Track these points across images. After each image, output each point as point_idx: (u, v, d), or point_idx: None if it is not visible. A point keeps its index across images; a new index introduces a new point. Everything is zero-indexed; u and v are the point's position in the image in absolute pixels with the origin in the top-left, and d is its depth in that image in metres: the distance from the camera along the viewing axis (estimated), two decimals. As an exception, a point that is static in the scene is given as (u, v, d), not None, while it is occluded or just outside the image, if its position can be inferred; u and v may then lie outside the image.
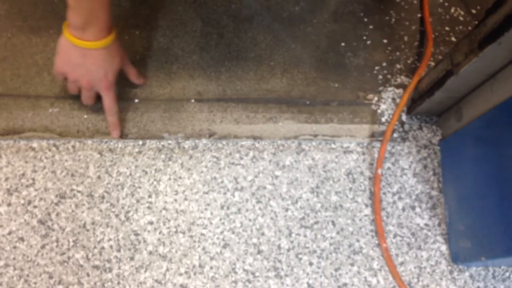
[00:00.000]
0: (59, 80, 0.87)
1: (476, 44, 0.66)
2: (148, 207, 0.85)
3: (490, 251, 0.70)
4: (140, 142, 0.90)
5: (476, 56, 0.66)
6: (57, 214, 0.85)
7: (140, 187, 0.87)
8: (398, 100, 0.92)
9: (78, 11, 0.70)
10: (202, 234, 0.84)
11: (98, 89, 0.81)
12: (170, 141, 0.90)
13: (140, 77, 0.92)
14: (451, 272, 0.82)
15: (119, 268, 0.82)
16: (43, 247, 0.83)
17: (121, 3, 1.02)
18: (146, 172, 0.88)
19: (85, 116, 0.91)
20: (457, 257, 0.80)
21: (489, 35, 0.64)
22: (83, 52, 0.74)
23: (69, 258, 0.82)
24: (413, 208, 0.86)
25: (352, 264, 0.82)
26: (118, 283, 0.81)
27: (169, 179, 0.88)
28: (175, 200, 0.86)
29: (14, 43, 0.98)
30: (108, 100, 0.83)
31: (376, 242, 0.83)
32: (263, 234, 0.84)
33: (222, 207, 0.86)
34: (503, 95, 0.68)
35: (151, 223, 0.84)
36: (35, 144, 0.90)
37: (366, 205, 0.85)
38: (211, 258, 0.82)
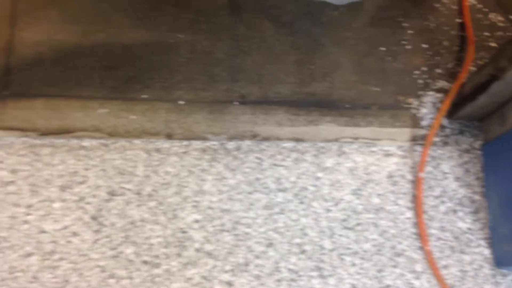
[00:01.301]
0: None
1: (523, 48, 0.65)
2: (194, 206, 0.86)
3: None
4: (186, 143, 0.91)
5: (522, 61, 0.65)
6: (108, 211, 0.85)
7: (186, 186, 0.87)
8: (438, 104, 0.91)
9: None
10: (246, 233, 0.84)
11: None
12: (214, 142, 0.90)
13: None
14: (494, 276, 0.80)
15: (167, 264, 0.82)
16: (95, 242, 0.84)
17: (166, 8, 1.02)
18: (192, 172, 0.88)
19: (135, 117, 0.92)
20: (500, 261, 0.79)
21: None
22: None
23: (120, 253, 0.83)
24: (455, 212, 0.84)
25: (395, 266, 0.81)
26: (167, 278, 0.81)
27: (214, 179, 0.87)
28: (220, 199, 0.86)
29: (66, 47, 0.99)
30: None
31: (419, 244, 0.82)
32: (306, 234, 0.83)
33: (265, 207, 0.85)
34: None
35: (197, 221, 0.85)
36: (86, 143, 0.90)
37: (408, 208, 0.84)
38: (256, 257, 0.82)
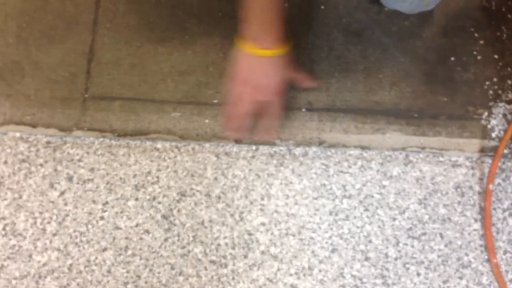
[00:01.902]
0: (234, 95, 0.85)
1: None
2: (261, 209, 0.87)
3: None
4: (254, 147, 0.92)
5: None
6: (179, 211, 0.89)
7: (253, 190, 0.89)
8: (509, 116, 0.89)
9: (255, 22, 0.72)
10: (311, 238, 0.85)
11: (268, 95, 0.80)
12: (281, 148, 0.92)
13: (310, 79, 0.90)
14: None
15: (234, 264, 0.84)
16: (166, 240, 0.87)
17: (238, 16, 1.04)
18: (259, 176, 0.90)
19: (206, 121, 0.94)
20: None
21: None
22: (258, 60, 0.75)
23: (189, 252, 0.86)
24: (524, 225, 0.82)
25: (460, 278, 0.80)
26: (233, 278, 0.83)
27: (281, 183, 0.89)
28: (286, 203, 0.87)
29: (142, 52, 1.03)
30: (274, 106, 0.82)
31: (486, 257, 0.81)
32: (370, 241, 0.83)
33: (330, 213, 0.86)
34: None
35: (263, 224, 0.86)
36: (159, 145, 0.94)
37: (475, 220, 0.83)
38: (320, 262, 0.83)
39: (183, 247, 0.86)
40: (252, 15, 0.73)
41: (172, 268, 0.84)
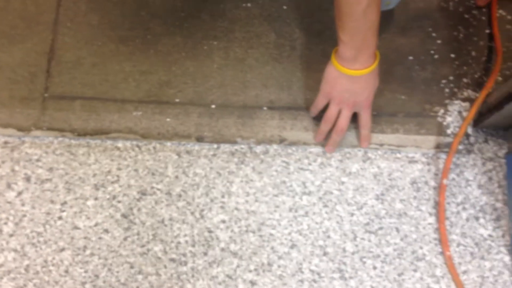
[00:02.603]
0: (320, 105, 0.86)
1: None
2: (221, 207, 0.88)
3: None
4: (215, 146, 0.93)
5: (547, 72, 0.65)
6: (139, 209, 0.89)
7: (214, 188, 0.90)
8: (464, 113, 0.91)
9: (351, 45, 0.71)
10: (271, 234, 0.85)
11: (359, 109, 0.82)
12: (242, 146, 0.93)
13: None
14: (514, 283, 0.80)
15: (194, 262, 0.84)
16: (125, 239, 0.87)
17: (201, 16, 1.06)
18: (220, 174, 0.91)
19: (168, 120, 0.95)
20: (521, 269, 0.78)
21: None
22: (351, 79, 0.76)
23: (148, 250, 0.86)
24: (477, 218, 0.84)
25: (415, 270, 0.81)
26: (193, 276, 0.83)
27: (241, 181, 0.90)
28: (246, 201, 0.88)
29: (104, 51, 1.03)
30: (366, 117, 0.83)
31: (440, 250, 0.83)
32: (329, 237, 0.85)
33: (290, 210, 0.87)
34: None
35: (223, 221, 0.87)
36: (120, 144, 0.94)
37: (430, 214, 0.85)
38: (279, 257, 0.84)
39: (143, 246, 0.86)
40: (348, 38, 0.71)
41: (131, 267, 0.84)
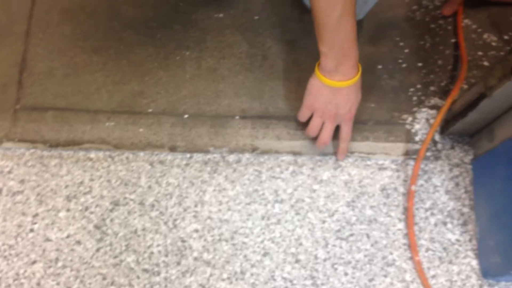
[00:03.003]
0: (303, 119, 0.87)
1: (509, 69, 0.67)
2: (194, 216, 0.88)
3: (520, 267, 0.70)
4: (188, 155, 0.93)
5: (508, 80, 0.67)
6: (111, 220, 0.88)
7: (187, 197, 0.90)
8: (431, 121, 0.93)
9: (331, 56, 0.72)
10: (243, 243, 0.86)
11: (340, 121, 0.83)
12: (215, 155, 0.93)
13: None
14: (481, 286, 0.82)
15: (167, 272, 0.84)
16: (98, 250, 0.86)
17: (173, 26, 1.06)
18: (193, 183, 0.91)
19: (141, 130, 0.95)
20: (487, 272, 0.80)
21: (522, 61, 0.65)
22: (334, 91, 0.76)
23: (121, 261, 0.85)
24: (445, 223, 0.86)
25: (385, 276, 0.83)
26: (166, 286, 0.83)
27: (214, 190, 0.90)
28: (219, 210, 0.88)
29: (76, 62, 1.03)
30: (347, 130, 0.84)
31: (409, 255, 0.84)
32: (301, 244, 0.85)
33: (262, 218, 0.88)
34: (534, 118, 0.68)
35: (196, 231, 0.87)
36: (92, 155, 0.94)
37: (400, 220, 0.86)
38: (252, 265, 0.84)
39: (116, 257, 0.85)
40: (327, 49, 0.72)
41: (104, 278, 0.84)
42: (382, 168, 0.91)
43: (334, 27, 0.71)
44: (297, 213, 0.88)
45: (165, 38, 1.06)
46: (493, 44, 1.03)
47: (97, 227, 0.88)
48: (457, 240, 0.85)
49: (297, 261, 0.84)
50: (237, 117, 0.97)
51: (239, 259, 0.85)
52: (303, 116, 0.89)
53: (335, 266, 0.84)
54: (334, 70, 0.72)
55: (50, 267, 0.85)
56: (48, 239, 0.87)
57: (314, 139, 0.91)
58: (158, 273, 0.84)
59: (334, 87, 0.74)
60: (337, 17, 0.69)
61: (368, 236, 0.86)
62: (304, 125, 0.91)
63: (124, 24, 1.07)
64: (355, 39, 0.71)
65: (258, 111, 0.98)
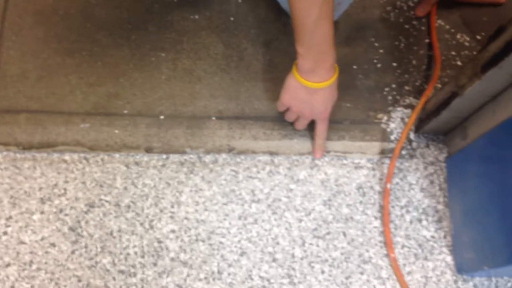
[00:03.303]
0: (281, 110, 0.89)
1: (479, 68, 0.68)
2: (171, 217, 0.88)
3: (492, 261, 0.71)
4: (164, 156, 0.93)
5: (479, 79, 0.68)
6: (87, 222, 0.88)
7: (163, 198, 0.89)
8: (406, 120, 0.94)
9: (308, 58, 0.72)
10: (220, 243, 0.86)
11: (316, 118, 0.84)
12: (192, 156, 0.93)
13: None
14: (455, 282, 0.83)
15: (143, 273, 0.84)
16: (73, 252, 0.85)
17: (148, 27, 1.06)
18: (169, 184, 0.91)
19: (116, 131, 0.94)
20: (461, 268, 0.81)
21: (491, 60, 0.66)
22: (310, 91, 0.77)
23: (96, 263, 0.85)
24: (420, 221, 0.87)
25: (362, 273, 0.83)
26: (142, 287, 0.83)
27: (191, 190, 0.90)
28: (196, 210, 0.88)
29: (50, 64, 1.02)
30: (323, 127, 0.85)
31: (385, 252, 0.85)
32: (278, 243, 0.86)
33: (239, 218, 0.88)
34: (504, 115, 0.69)
35: (173, 231, 0.87)
36: (67, 157, 0.93)
37: (376, 218, 0.87)
38: (229, 265, 0.84)
39: (91, 259, 0.84)
40: (304, 50, 0.72)
41: (79, 280, 0.83)
42: (358, 167, 0.92)
43: (311, 29, 0.71)
44: (274, 213, 0.88)
45: (140, 39, 1.06)
46: (466, 44, 1.04)
47: (72, 229, 0.87)
48: (432, 237, 0.86)
49: (274, 260, 0.84)
50: (213, 118, 0.97)
51: (216, 259, 0.85)
52: (279, 109, 0.90)
53: (312, 264, 0.84)
54: (311, 71, 0.73)
55: (24, 269, 0.84)
56: (22, 242, 0.86)
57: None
58: (135, 274, 0.84)
59: (311, 87, 0.75)
60: (314, 19, 0.70)
61: (344, 234, 0.86)
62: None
63: (98, 26, 1.07)
64: (333, 41, 0.71)
65: (234, 112, 0.98)
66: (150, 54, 1.04)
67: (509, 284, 0.83)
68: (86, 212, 0.88)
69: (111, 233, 0.87)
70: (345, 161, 0.92)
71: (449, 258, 0.84)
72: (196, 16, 1.07)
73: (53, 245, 0.86)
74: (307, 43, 0.74)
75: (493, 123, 0.73)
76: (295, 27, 0.74)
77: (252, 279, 0.83)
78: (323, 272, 0.83)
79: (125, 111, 0.98)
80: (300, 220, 0.87)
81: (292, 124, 0.93)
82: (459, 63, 1.02)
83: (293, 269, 0.83)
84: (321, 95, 0.78)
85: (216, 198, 0.89)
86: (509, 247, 0.67)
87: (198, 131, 0.95)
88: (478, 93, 0.72)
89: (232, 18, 1.08)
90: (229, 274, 0.83)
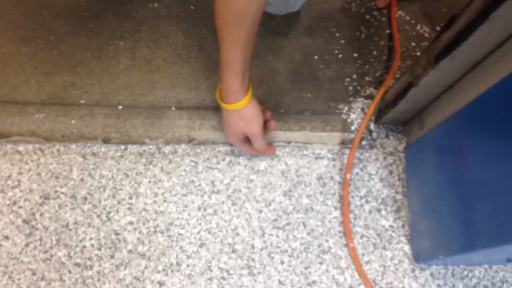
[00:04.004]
0: (238, 145, 0.86)
1: (433, 58, 0.70)
2: (129, 208, 0.87)
3: (447, 249, 0.73)
4: (122, 147, 0.92)
5: (433, 69, 0.70)
6: (41, 214, 0.86)
7: (121, 189, 0.89)
8: (367, 110, 0.95)
9: (224, 84, 0.76)
10: (179, 234, 0.86)
11: (251, 136, 0.83)
12: (151, 146, 0.92)
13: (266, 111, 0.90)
14: (413, 270, 0.84)
15: (100, 265, 0.83)
16: (27, 245, 0.84)
17: (106, 16, 1.05)
18: (128, 175, 0.90)
19: (72, 122, 0.93)
20: (418, 256, 0.83)
21: (444, 50, 0.67)
22: (238, 113, 0.78)
23: (51, 256, 0.84)
24: (379, 210, 0.88)
25: (321, 263, 0.84)
26: (99, 279, 0.82)
27: (149, 181, 0.89)
28: (155, 201, 0.88)
29: (4, 52, 1.00)
30: (258, 142, 0.84)
31: (344, 242, 0.86)
32: (237, 234, 0.86)
33: (199, 209, 0.88)
34: (459, 105, 0.71)
35: (131, 223, 0.86)
36: (21, 148, 0.91)
37: (335, 208, 0.88)
38: (188, 257, 0.84)
39: (46, 252, 0.83)
40: (220, 76, 0.74)
41: (34, 274, 0.82)
42: (318, 157, 0.93)
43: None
44: (234, 204, 0.88)
45: (98, 28, 1.04)
46: (426, 35, 1.06)
47: (26, 221, 0.86)
48: (391, 227, 0.88)
49: (234, 251, 0.85)
50: (173, 108, 0.97)
51: (175, 250, 0.85)
52: (241, 148, 0.87)
53: (272, 255, 0.85)
54: (226, 94, 0.76)
55: (-25, 264, 0.83)
56: (-28, 236, 0.85)
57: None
58: (91, 267, 0.83)
59: (231, 110, 0.77)
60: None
61: (304, 224, 0.87)
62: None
63: (55, 14, 1.05)
64: (244, 66, 0.72)
65: (194, 102, 0.98)
66: (108, 43, 1.03)
67: (465, 272, 0.85)
68: (41, 204, 0.87)
69: (67, 226, 0.86)
70: (305, 152, 0.93)
71: (407, 247, 0.86)
72: (156, 5, 1.07)
73: (6, 238, 0.85)
74: (221, 72, 0.74)
75: (448, 113, 0.74)
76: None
77: (211, 270, 0.83)
78: (282, 262, 0.84)
79: (82, 101, 0.96)
80: (260, 211, 0.87)
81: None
82: (419, 53, 1.04)
83: (253, 260, 0.84)
84: (243, 116, 0.78)
85: (175, 189, 0.89)
86: (462, 236, 0.69)
87: (157, 122, 0.95)
88: (433, 83, 0.74)
89: (192, 7, 1.08)
90: (188, 265, 0.83)
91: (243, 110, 0.79)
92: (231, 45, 0.70)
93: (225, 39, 0.70)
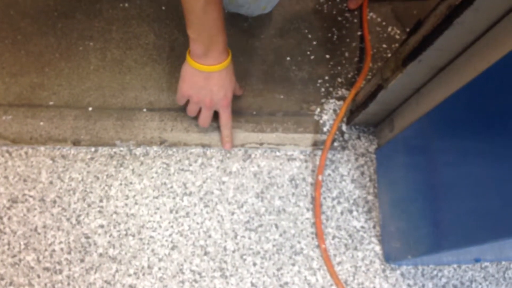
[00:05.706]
0: (181, 104, 0.90)
1: (401, 61, 0.72)
2: (99, 211, 0.88)
3: (416, 250, 0.76)
4: (93, 149, 0.93)
5: (401, 72, 0.72)
6: (9, 218, 0.87)
7: (91, 192, 0.90)
8: (339, 111, 0.98)
9: (199, 41, 0.75)
10: (151, 237, 0.87)
11: (218, 107, 0.86)
12: (122, 148, 0.94)
13: (241, 88, 0.96)
14: (384, 270, 0.87)
15: (70, 269, 0.84)
16: (-6, 249, 0.85)
17: (76, 16, 1.05)
18: (98, 178, 0.91)
19: (41, 124, 0.94)
20: (389, 257, 0.86)
21: (411, 53, 0.70)
22: (206, 75, 0.79)
23: (20, 260, 0.84)
24: (350, 211, 0.91)
25: (293, 264, 0.86)
26: (68, 284, 0.83)
27: (120, 184, 0.91)
28: (126, 204, 0.89)
29: (-31, 52, 1.00)
30: (226, 116, 0.87)
31: (316, 243, 0.88)
32: (210, 236, 0.88)
33: (171, 211, 0.89)
34: (427, 108, 0.74)
35: (101, 226, 0.87)
36: (-12, 150, 0.91)
37: (308, 209, 0.91)
38: (160, 260, 0.86)
39: (14, 256, 0.84)
40: (196, 35, 0.74)
41: (2, 279, 0.82)
42: (291, 159, 0.95)
43: (200, 13, 0.73)
44: (206, 206, 0.90)
45: (66, 28, 1.05)
46: (397, 37, 1.10)
47: (-7, 226, 0.86)
48: (362, 227, 0.90)
49: (206, 253, 0.87)
50: (144, 110, 0.98)
51: (146, 253, 0.86)
52: (179, 102, 0.92)
53: (244, 257, 0.87)
54: (204, 55, 0.75)
55: None
56: None
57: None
58: (60, 271, 0.84)
59: (206, 71, 0.77)
60: (203, 4, 0.72)
61: (276, 226, 0.89)
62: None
63: (22, 13, 1.05)
64: (222, 25, 0.74)
65: (166, 103, 0.99)
66: (77, 43, 1.03)
67: (434, 272, 0.88)
68: (8, 208, 0.87)
69: (36, 229, 0.86)
70: (278, 153, 0.95)
71: (378, 248, 0.88)
72: (126, 5, 1.08)
73: (-28, 243, 0.85)
74: (197, 27, 0.77)
75: (416, 115, 0.77)
76: (185, 11, 0.76)
77: (183, 273, 0.85)
78: (255, 264, 0.86)
79: (51, 103, 0.97)
80: (233, 213, 0.89)
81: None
82: (389, 55, 1.07)
83: (225, 262, 0.86)
84: (217, 79, 0.79)
85: (146, 191, 0.90)
86: (431, 237, 0.72)
87: (128, 123, 0.96)
88: (401, 86, 0.77)
89: (163, 7, 1.09)
90: (159, 268, 0.85)
91: (225, 71, 0.79)
92: (216, 4, 0.73)
93: (210, 0, 0.73)
